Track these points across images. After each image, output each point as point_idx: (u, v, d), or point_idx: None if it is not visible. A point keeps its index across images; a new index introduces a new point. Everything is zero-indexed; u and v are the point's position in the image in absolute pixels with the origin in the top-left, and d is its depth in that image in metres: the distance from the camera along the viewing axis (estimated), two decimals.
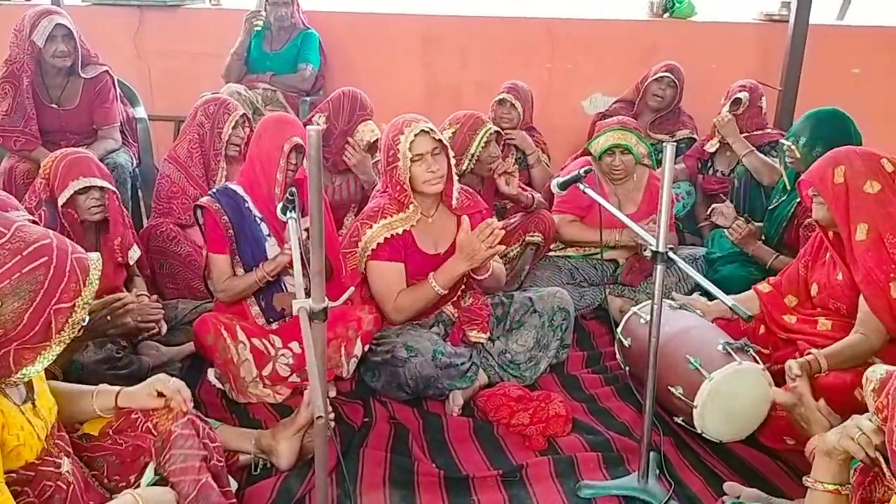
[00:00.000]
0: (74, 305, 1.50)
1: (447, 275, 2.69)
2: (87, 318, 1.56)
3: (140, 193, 4.06)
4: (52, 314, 1.47)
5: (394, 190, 2.72)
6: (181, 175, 3.39)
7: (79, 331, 2.17)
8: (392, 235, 2.71)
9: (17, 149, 3.58)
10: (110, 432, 1.88)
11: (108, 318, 2.28)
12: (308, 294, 1.64)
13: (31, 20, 3.52)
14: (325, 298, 1.65)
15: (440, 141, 2.68)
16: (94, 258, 1.58)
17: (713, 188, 4.03)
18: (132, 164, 3.88)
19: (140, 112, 4.24)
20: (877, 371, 1.59)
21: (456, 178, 2.81)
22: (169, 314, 3.02)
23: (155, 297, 2.79)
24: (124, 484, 1.82)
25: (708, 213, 3.58)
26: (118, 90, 3.92)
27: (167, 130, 4.88)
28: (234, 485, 2.04)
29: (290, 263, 2.58)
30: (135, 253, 2.94)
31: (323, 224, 1.62)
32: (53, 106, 3.71)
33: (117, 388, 1.93)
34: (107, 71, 3.81)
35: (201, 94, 4.25)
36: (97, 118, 3.79)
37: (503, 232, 2.62)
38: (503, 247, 2.64)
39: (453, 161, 2.76)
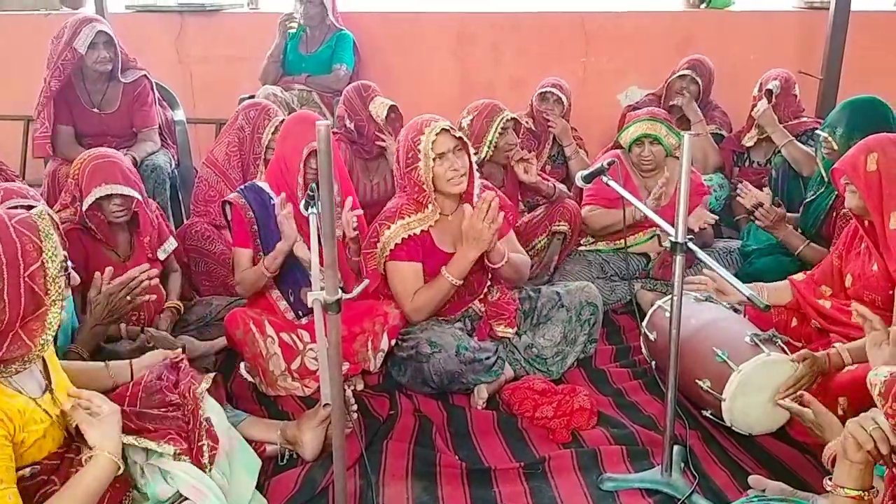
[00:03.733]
0: (44, 262, 1.51)
1: (458, 264, 2.67)
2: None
3: (180, 195, 4.16)
4: (29, 280, 1.49)
5: (412, 190, 2.72)
6: (218, 178, 3.44)
7: (104, 317, 2.27)
8: (410, 236, 2.71)
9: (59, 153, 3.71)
10: None
11: (128, 297, 2.35)
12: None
13: (72, 28, 3.61)
14: (340, 290, 1.67)
15: (460, 138, 2.68)
16: (37, 211, 1.58)
17: (750, 180, 3.93)
18: (171, 165, 3.98)
19: (179, 115, 4.33)
20: (879, 374, 1.51)
21: (477, 174, 2.81)
22: (203, 310, 3.11)
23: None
24: None
25: (735, 187, 3.48)
26: (157, 93, 4.02)
27: (209, 133, 4.98)
28: (258, 463, 2.16)
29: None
30: (170, 245, 3.04)
31: (334, 216, 1.65)
32: (95, 110, 3.82)
33: (128, 360, 2.12)
34: (145, 75, 3.91)
35: (239, 97, 4.36)
36: (136, 121, 3.89)
37: (498, 201, 2.59)
38: (502, 216, 2.59)
39: (472, 151, 2.76)
